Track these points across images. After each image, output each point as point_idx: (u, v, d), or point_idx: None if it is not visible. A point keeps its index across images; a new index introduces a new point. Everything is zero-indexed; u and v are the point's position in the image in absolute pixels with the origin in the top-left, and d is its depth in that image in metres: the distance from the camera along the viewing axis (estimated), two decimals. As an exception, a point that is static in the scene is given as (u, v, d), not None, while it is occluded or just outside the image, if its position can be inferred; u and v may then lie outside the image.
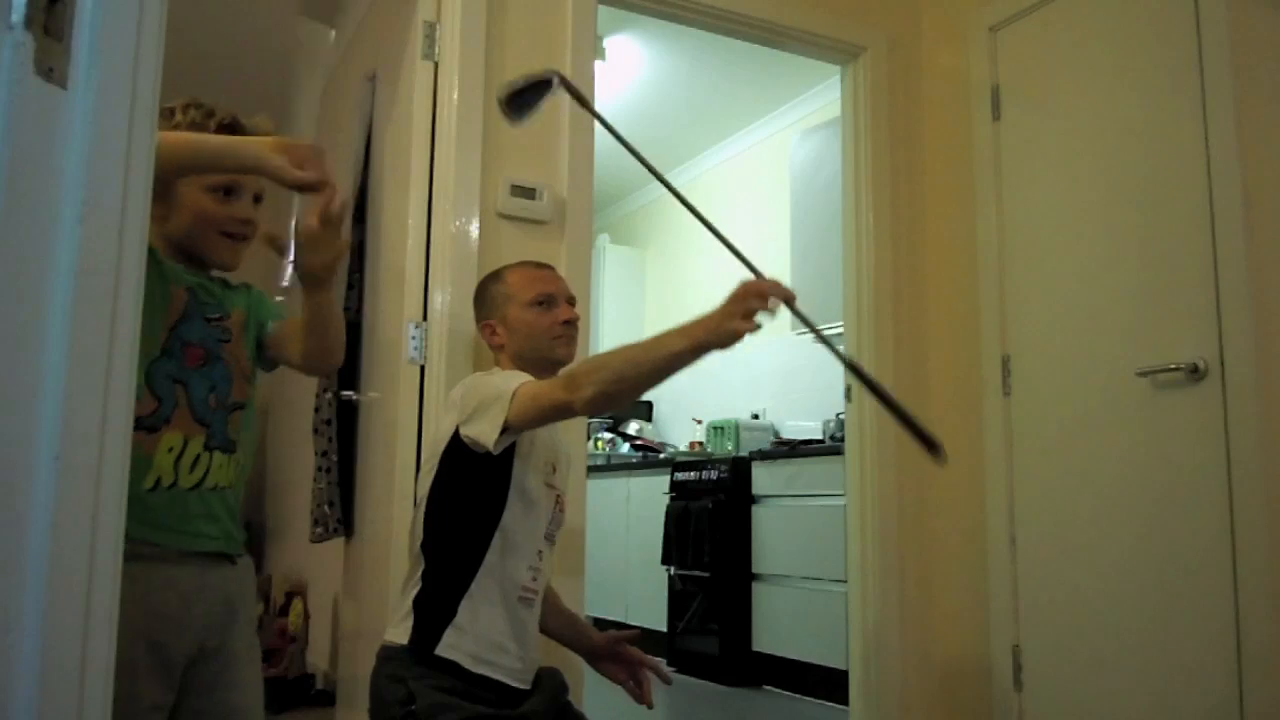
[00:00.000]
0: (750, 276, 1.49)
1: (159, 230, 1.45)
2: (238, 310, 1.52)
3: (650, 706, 1.96)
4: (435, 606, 1.67)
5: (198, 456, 1.41)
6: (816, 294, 4.14)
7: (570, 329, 1.89)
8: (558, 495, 1.85)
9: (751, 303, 1.42)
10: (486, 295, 1.96)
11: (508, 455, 1.71)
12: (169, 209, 1.44)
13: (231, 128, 1.48)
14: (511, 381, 1.67)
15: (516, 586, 1.72)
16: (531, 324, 1.86)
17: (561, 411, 1.63)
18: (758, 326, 1.44)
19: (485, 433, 1.64)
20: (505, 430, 1.64)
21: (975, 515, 2.79)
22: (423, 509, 1.77)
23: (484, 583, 1.68)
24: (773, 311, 1.45)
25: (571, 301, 1.94)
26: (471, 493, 1.72)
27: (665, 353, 1.49)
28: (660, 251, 6.22)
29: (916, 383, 2.94)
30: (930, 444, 1.39)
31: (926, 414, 2.95)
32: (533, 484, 1.75)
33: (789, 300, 1.44)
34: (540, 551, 1.78)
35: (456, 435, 1.70)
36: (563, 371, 1.74)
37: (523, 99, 1.78)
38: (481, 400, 1.67)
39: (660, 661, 2.01)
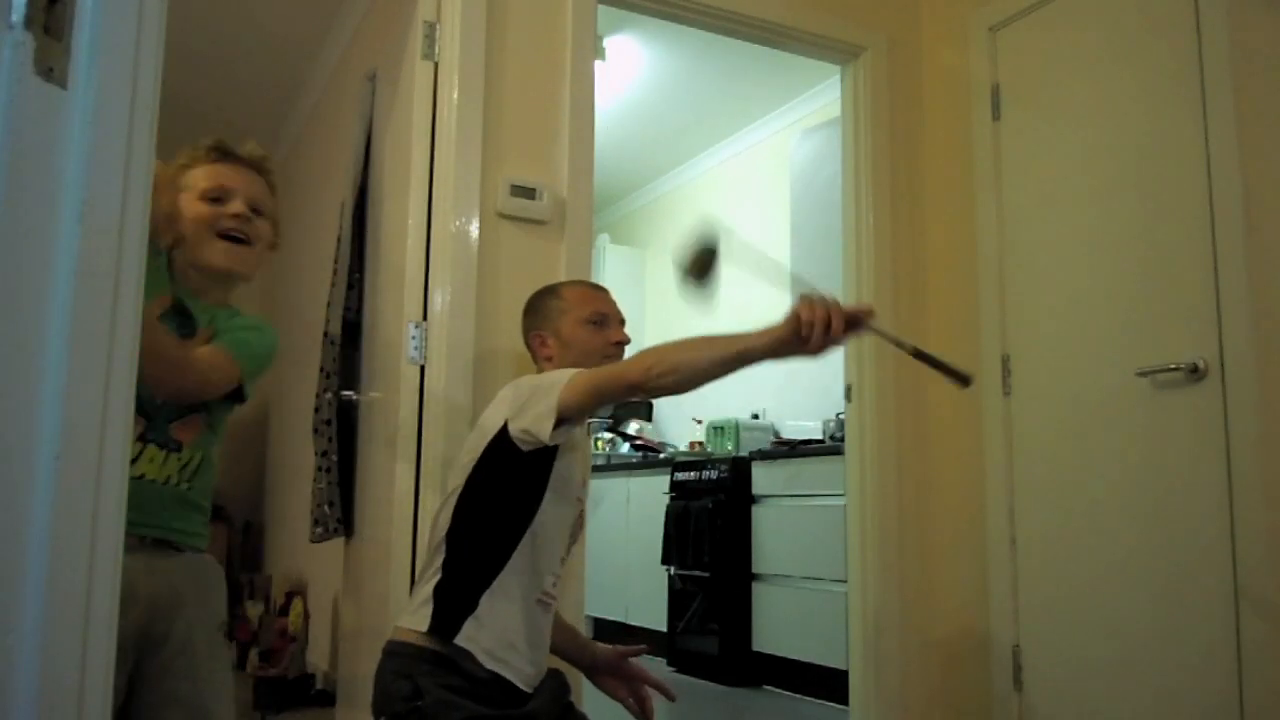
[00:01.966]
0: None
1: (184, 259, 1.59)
2: (206, 328, 1.57)
3: None
4: (457, 596, 1.67)
5: None
6: (816, 294, 4.14)
7: (620, 351, 1.94)
8: (582, 509, 1.88)
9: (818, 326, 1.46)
10: (541, 308, 1.99)
11: (548, 460, 1.72)
12: (179, 226, 1.54)
13: (219, 150, 1.60)
14: (565, 375, 1.69)
15: (538, 589, 1.73)
16: (585, 340, 1.91)
17: (628, 388, 1.63)
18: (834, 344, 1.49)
19: (539, 420, 1.65)
20: (561, 422, 1.65)
21: (975, 515, 2.79)
22: (454, 499, 1.76)
23: (507, 581, 1.69)
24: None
25: (622, 323, 1.99)
26: (508, 491, 1.72)
27: (739, 352, 1.54)
28: (660, 251, 6.22)
29: (917, 382, 2.94)
30: (962, 377, 1.52)
31: (926, 414, 2.96)
32: (566, 493, 1.77)
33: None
34: (562, 559, 1.79)
35: (503, 431, 1.71)
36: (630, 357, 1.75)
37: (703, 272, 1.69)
38: (533, 393, 1.69)
39: (664, 671, 2.00)
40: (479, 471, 1.75)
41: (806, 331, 1.45)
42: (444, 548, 1.73)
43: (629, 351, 1.97)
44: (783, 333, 1.48)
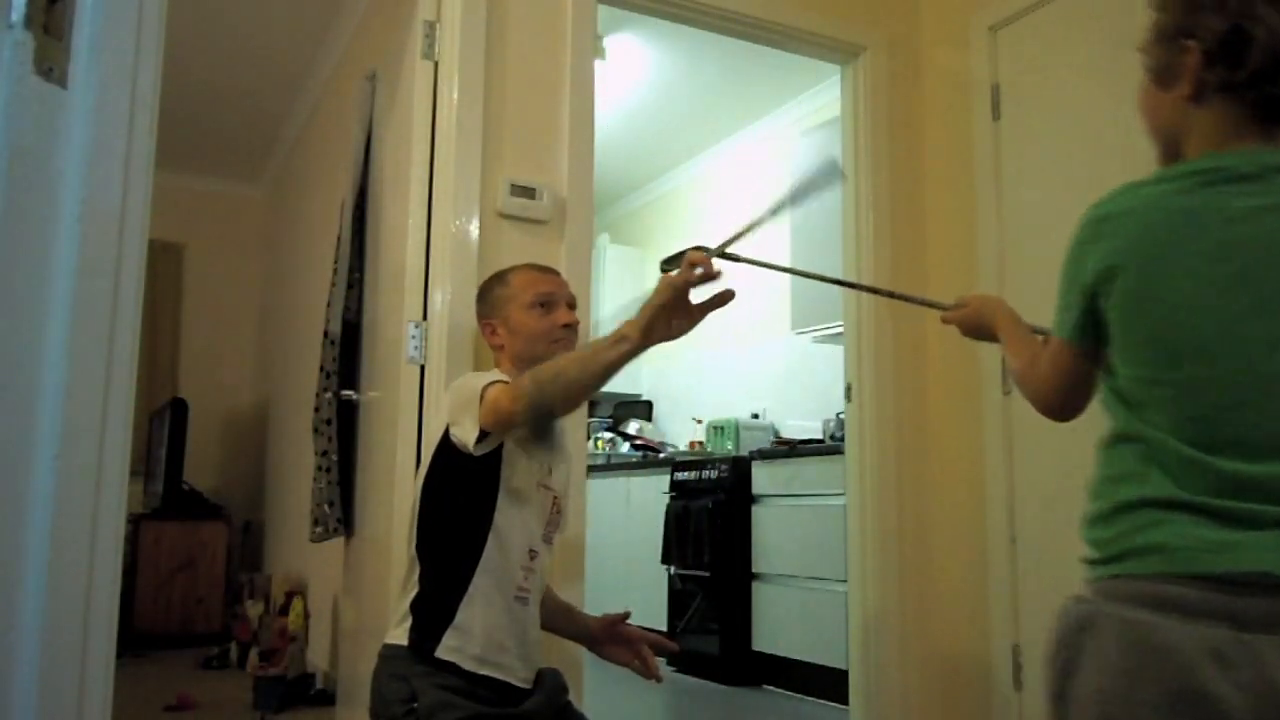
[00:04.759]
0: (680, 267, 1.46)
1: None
2: None
3: (660, 680, 1.98)
4: (433, 608, 1.67)
5: None
6: (817, 294, 4.14)
7: (569, 332, 1.90)
8: (554, 497, 1.85)
9: (676, 294, 1.42)
10: (489, 296, 1.97)
11: (496, 455, 1.71)
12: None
13: None
14: (481, 381, 1.68)
15: (514, 586, 1.72)
16: (531, 326, 1.87)
17: (509, 424, 1.62)
18: (703, 310, 1.44)
19: (465, 435, 1.66)
20: (484, 435, 1.65)
21: (975, 515, 2.79)
22: (416, 511, 1.77)
23: (481, 583, 1.68)
24: (705, 278, 1.42)
25: (572, 305, 1.95)
26: (462, 493, 1.72)
27: (601, 363, 1.49)
28: (660, 251, 6.21)
29: (916, 382, 2.94)
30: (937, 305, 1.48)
31: (926, 415, 2.96)
32: (524, 484, 1.76)
33: (712, 275, 1.42)
34: (533, 550, 1.77)
35: (446, 436, 1.71)
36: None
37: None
38: (463, 403, 1.69)
39: (664, 670, 2.01)
40: (432, 479, 1.75)
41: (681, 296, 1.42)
42: (416, 560, 1.74)
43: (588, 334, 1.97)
44: (639, 337, 1.45)
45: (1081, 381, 1.21)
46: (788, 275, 4.45)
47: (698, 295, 1.45)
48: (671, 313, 1.44)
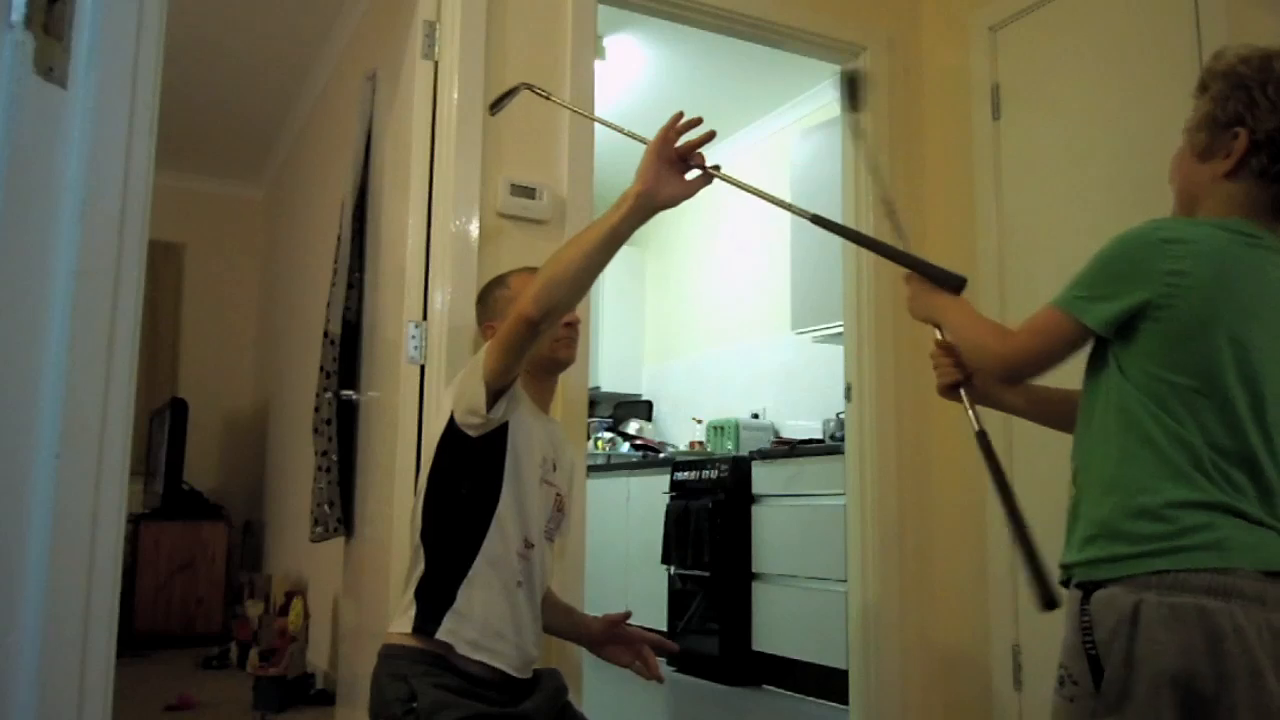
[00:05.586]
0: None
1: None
2: None
3: (661, 680, 1.98)
4: (435, 593, 1.69)
5: None
6: (817, 294, 4.14)
7: (571, 331, 1.91)
8: (557, 493, 1.86)
9: (665, 154, 1.50)
10: (489, 298, 1.99)
11: (500, 444, 1.73)
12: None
13: None
14: (481, 351, 1.70)
15: (515, 573, 1.73)
16: None
17: (524, 328, 1.60)
18: (694, 183, 1.55)
19: (474, 398, 1.66)
20: (495, 393, 1.65)
21: (975, 515, 2.79)
22: (421, 500, 1.78)
23: (482, 570, 1.70)
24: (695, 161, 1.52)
25: None
26: (466, 481, 1.74)
27: (606, 226, 1.54)
28: (660, 251, 6.22)
29: (916, 383, 2.94)
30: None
31: (926, 415, 2.95)
32: (526, 476, 1.77)
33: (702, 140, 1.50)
34: (528, 540, 1.78)
35: (450, 425, 1.73)
36: None
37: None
38: (467, 375, 1.71)
39: (664, 670, 2.00)
40: (438, 469, 1.77)
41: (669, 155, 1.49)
42: (421, 549, 1.75)
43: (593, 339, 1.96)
44: (636, 187, 1.52)
45: (1060, 359, 1.39)
46: (788, 276, 4.46)
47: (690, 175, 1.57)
48: (664, 169, 1.52)
